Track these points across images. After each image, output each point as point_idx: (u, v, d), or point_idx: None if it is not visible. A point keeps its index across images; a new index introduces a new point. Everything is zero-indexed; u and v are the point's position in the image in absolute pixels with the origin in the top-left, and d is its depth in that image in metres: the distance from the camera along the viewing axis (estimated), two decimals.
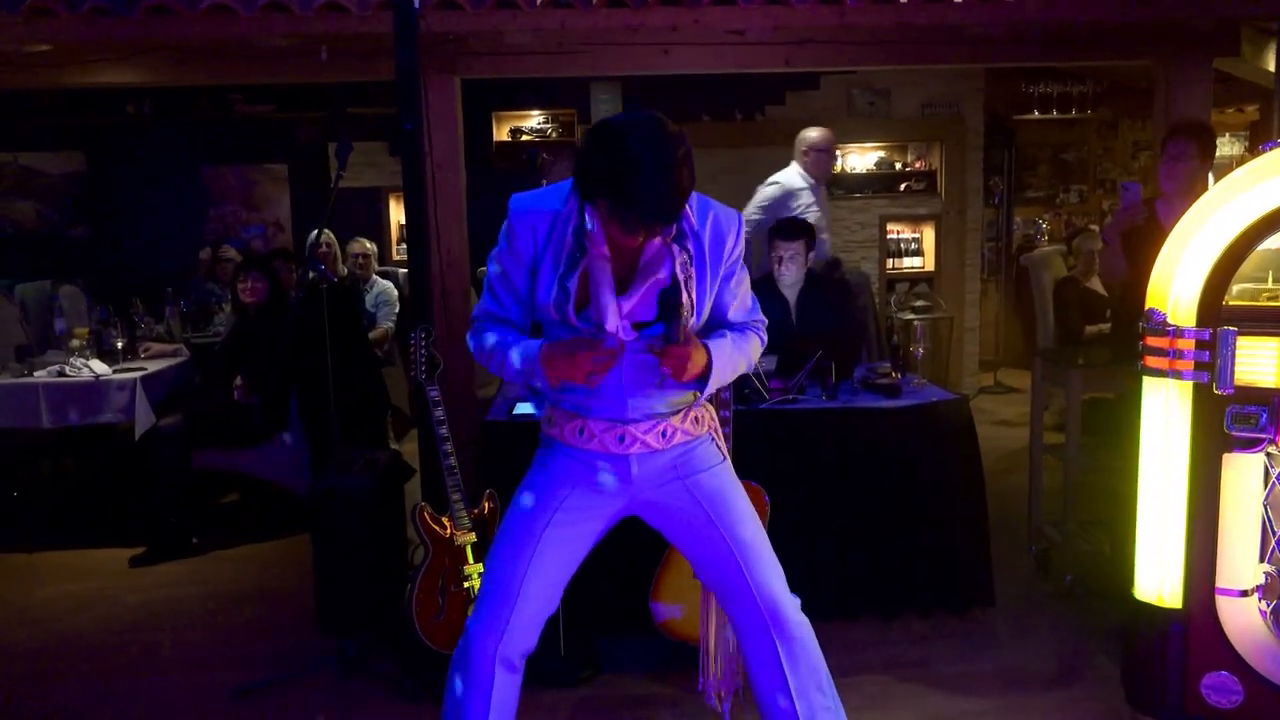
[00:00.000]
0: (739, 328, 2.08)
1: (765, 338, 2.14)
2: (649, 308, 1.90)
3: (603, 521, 2.07)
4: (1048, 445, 3.92)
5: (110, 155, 7.63)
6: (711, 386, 1.97)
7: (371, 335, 5.65)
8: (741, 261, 2.04)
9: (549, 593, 2.01)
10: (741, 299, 2.07)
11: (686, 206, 1.86)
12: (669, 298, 1.83)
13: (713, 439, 2.11)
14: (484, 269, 2.11)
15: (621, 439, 1.98)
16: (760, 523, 2.09)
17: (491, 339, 1.99)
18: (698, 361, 1.89)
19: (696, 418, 2.06)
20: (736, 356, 2.03)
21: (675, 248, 1.89)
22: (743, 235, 2.02)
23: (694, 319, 1.94)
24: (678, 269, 1.89)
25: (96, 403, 4.36)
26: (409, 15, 3.24)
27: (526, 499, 2.04)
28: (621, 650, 3.14)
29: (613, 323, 1.86)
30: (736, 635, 2.07)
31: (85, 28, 3.87)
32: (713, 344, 1.96)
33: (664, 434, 2.00)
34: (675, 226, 1.88)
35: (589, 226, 1.84)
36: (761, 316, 2.14)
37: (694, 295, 1.92)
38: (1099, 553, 3.59)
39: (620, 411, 1.97)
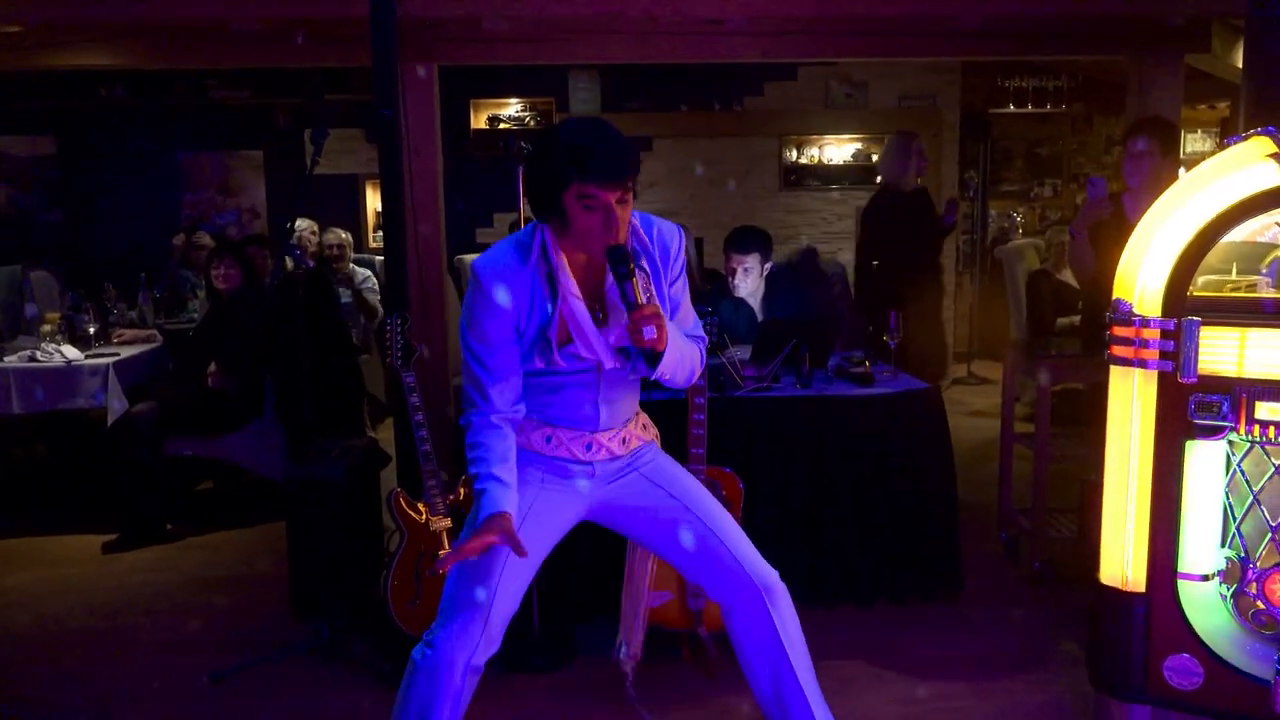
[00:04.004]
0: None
1: (704, 355, 2.17)
2: (625, 336, 1.95)
3: (565, 525, 2.12)
4: (1018, 434, 3.97)
5: (82, 139, 7.55)
6: (664, 365, 1.92)
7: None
8: (684, 273, 2.09)
9: (516, 597, 2.03)
10: (683, 312, 2.11)
11: (633, 220, 1.94)
12: (616, 252, 1.85)
13: (655, 443, 2.21)
14: (461, 257, 2.12)
15: (589, 447, 2.06)
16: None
17: (474, 461, 1.96)
18: (663, 326, 1.88)
19: (645, 424, 2.19)
20: (684, 345, 2.02)
21: (636, 270, 1.90)
22: (684, 246, 2.07)
23: None
24: (640, 292, 1.89)
25: (68, 388, 4.33)
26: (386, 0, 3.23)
27: None
28: (597, 635, 3.16)
29: (608, 362, 1.97)
30: (730, 622, 2.08)
31: (57, 8, 3.82)
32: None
33: (624, 440, 2.10)
34: (632, 248, 1.93)
35: (558, 272, 1.91)
36: (702, 334, 2.19)
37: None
38: (1067, 539, 3.65)
39: (593, 425, 2.05)
